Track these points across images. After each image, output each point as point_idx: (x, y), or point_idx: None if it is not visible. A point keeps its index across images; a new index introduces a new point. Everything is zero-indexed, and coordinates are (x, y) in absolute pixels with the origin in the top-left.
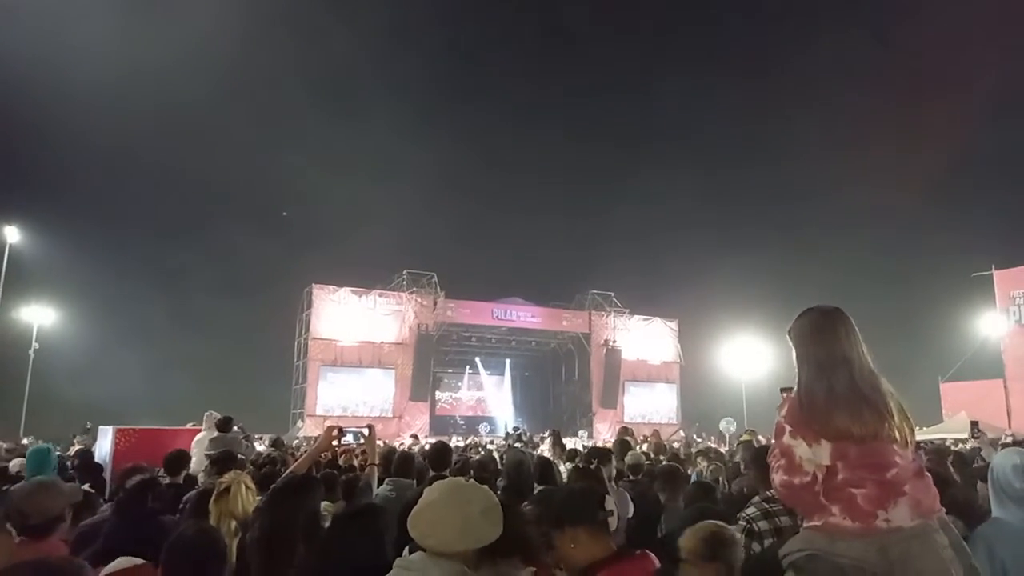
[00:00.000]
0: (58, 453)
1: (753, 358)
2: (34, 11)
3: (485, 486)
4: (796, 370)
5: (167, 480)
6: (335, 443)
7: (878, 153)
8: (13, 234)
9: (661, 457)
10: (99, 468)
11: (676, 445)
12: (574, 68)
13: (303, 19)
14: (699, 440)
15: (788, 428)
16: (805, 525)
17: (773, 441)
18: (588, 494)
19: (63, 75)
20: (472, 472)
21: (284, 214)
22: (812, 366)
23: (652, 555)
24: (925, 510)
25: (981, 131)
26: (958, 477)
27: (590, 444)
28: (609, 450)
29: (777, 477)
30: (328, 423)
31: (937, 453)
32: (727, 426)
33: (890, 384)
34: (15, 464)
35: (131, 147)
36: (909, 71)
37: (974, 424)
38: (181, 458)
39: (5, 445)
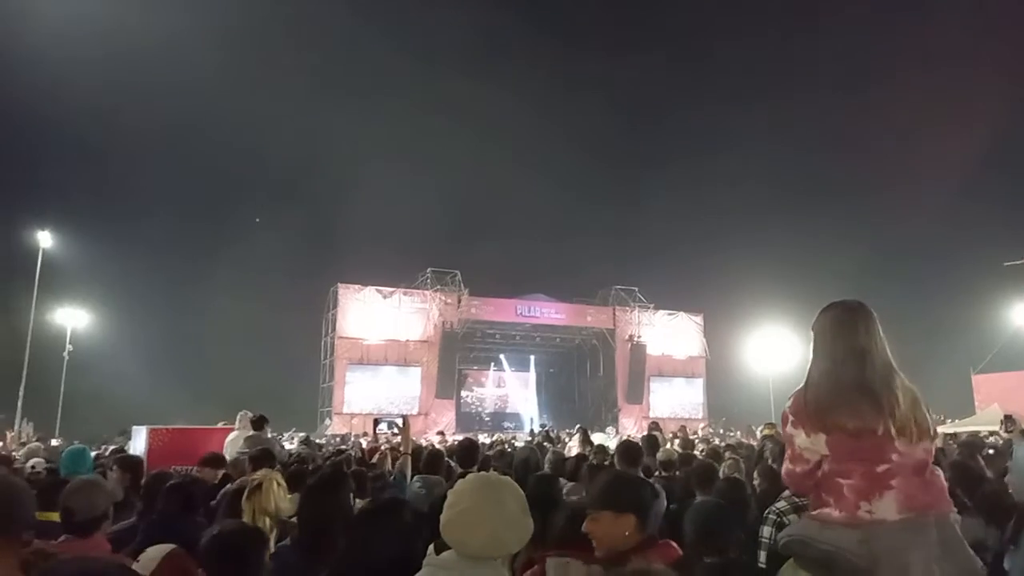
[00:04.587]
0: (93, 453)
1: (780, 352)
2: (63, 18)
3: (508, 478)
4: (809, 363)
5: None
6: (369, 437)
7: (909, 144)
8: (46, 239)
9: (689, 452)
10: (139, 465)
11: (696, 440)
12: (595, 61)
13: (330, 17)
14: (732, 434)
15: (791, 418)
16: (805, 514)
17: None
18: (637, 481)
19: (93, 82)
20: (496, 468)
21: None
22: (826, 361)
23: (674, 544)
24: (918, 505)
25: (1014, 119)
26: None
27: (616, 440)
28: (639, 445)
29: (784, 466)
30: (356, 420)
31: (968, 447)
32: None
33: (911, 380)
34: (31, 464)
35: (160, 151)
36: (942, 61)
37: (1008, 418)
38: (216, 459)
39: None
